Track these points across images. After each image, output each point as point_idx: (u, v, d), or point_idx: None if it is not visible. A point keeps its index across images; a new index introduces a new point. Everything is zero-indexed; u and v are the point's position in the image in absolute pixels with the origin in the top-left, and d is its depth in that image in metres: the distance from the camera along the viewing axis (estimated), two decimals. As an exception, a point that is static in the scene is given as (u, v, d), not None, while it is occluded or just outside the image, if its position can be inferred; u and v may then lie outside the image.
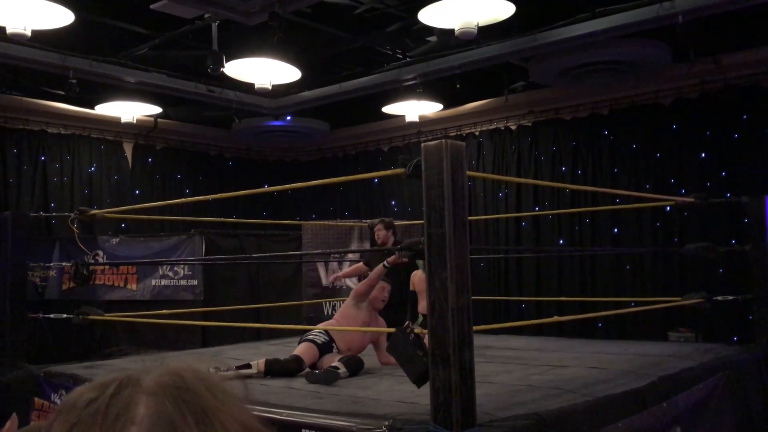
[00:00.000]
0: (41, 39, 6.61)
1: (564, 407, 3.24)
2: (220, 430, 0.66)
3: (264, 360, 4.49)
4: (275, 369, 4.45)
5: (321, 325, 5.07)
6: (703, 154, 8.19)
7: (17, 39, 5.77)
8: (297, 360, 4.56)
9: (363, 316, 4.95)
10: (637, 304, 7.25)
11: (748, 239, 5.63)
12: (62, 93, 8.14)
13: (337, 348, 4.78)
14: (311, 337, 4.80)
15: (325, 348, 4.73)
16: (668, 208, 7.83)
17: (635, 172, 8.63)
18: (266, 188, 9.77)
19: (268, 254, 8.46)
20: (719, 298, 5.59)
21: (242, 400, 0.72)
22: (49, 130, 9.55)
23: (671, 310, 7.09)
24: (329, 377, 4.21)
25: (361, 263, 6.26)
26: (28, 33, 5.57)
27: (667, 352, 5.10)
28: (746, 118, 7.92)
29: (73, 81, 7.40)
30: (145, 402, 0.66)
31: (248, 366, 4.43)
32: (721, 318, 7.37)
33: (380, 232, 6.31)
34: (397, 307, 6.15)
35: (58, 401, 4.31)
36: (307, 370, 4.53)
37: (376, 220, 6.47)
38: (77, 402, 0.68)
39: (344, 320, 4.98)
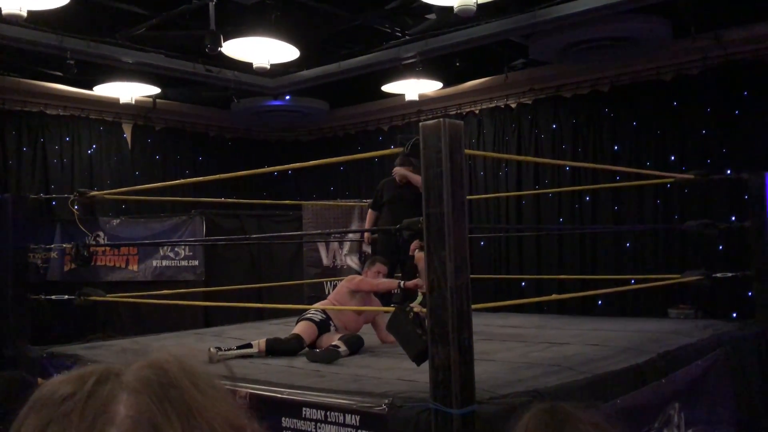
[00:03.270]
0: (38, 20, 6.57)
1: (563, 384, 3.26)
2: (206, 430, 0.62)
3: (265, 340, 4.52)
4: (276, 348, 4.48)
5: (318, 305, 5.10)
6: (704, 131, 8.16)
7: (13, 20, 5.72)
8: (297, 339, 4.58)
9: (357, 301, 4.99)
10: (637, 281, 7.26)
11: (748, 216, 5.63)
12: (60, 74, 8.10)
13: (335, 326, 4.81)
14: (309, 315, 4.83)
15: (323, 326, 4.76)
16: (669, 185, 7.82)
17: (636, 149, 8.61)
18: (267, 168, 9.76)
19: (269, 235, 8.47)
20: (719, 274, 5.60)
21: (230, 394, 0.67)
22: (48, 112, 9.52)
23: (671, 287, 7.12)
24: (330, 356, 4.24)
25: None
26: (24, 14, 5.53)
27: (666, 329, 5.12)
28: (747, 94, 7.88)
29: (71, 62, 7.36)
30: (126, 400, 0.61)
31: (249, 346, 4.46)
32: (720, 294, 7.39)
33: (400, 171, 6.35)
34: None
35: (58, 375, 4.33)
36: (307, 349, 4.56)
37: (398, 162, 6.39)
38: (52, 397, 0.63)
39: (339, 303, 5.01)
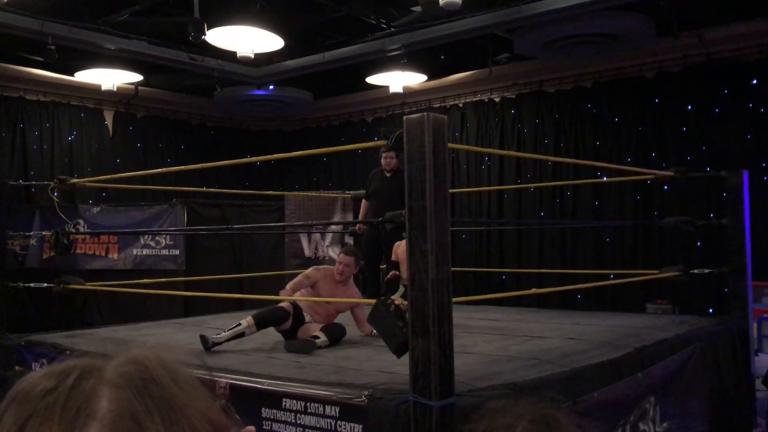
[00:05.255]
0: (18, 4, 6.48)
1: (541, 377, 3.29)
2: (186, 426, 0.63)
3: (251, 316, 4.48)
4: (265, 319, 4.46)
5: (285, 293, 5.00)
6: (685, 128, 8.24)
7: (-7, 3, 5.65)
8: (281, 309, 4.55)
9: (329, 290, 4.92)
10: (616, 276, 7.34)
11: (726, 213, 5.71)
12: (41, 59, 8.00)
13: (308, 316, 4.75)
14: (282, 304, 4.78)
15: (296, 315, 4.69)
16: (649, 182, 7.90)
17: (617, 145, 8.68)
18: (249, 158, 9.72)
19: (250, 225, 8.44)
20: (696, 271, 5.67)
21: (207, 390, 0.68)
22: (28, 97, 9.41)
23: (649, 282, 7.20)
24: (307, 346, 4.25)
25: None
26: (5, -3, 5.46)
27: (643, 324, 5.19)
28: (728, 93, 7.97)
29: (52, 47, 7.27)
30: (108, 395, 0.62)
31: (239, 325, 4.41)
32: (697, 290, 7.49)
33: (392, 161, 6.36)
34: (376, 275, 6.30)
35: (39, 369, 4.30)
36: (284, 339, 4.54)
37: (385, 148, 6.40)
38: (33, 391, 0.62)
39: (312, 293, 4.93)
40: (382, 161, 6.56)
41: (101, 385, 0.62)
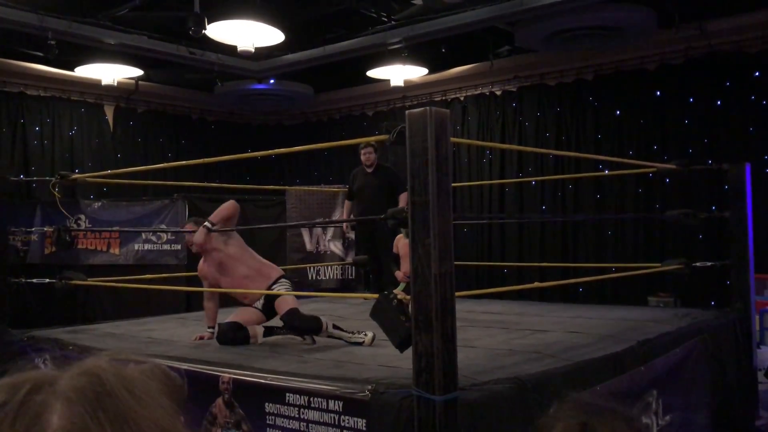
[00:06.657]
0: (18, -1, 6.46)
1: (544, 371, 3.29)
2: None
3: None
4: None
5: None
6: (686, 121, 8.22)
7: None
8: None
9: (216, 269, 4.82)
10: (618, 269, 7.34)
11: (728, 206, 5.69)
12: (41, 54, 7.99)
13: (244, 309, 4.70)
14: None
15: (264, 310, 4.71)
16: (651, 175, 7.89)
17: (619, 138, 8.66)
18: (250, 153, 9.72)
19: (252, 227, 8.42)
20: (698, 264, 5.66)
21: (166, 399, 0.67)
22: (28, 93, 9.39)
23: (651, 275, 7.19)
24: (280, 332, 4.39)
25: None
26: (4, -7, 5.44)
27: (646, 317, 5.18)
28: (729, 85, 7.95)
29: (52, 42, 7.26)
30: (59, 410, 0.60)
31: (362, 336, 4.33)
32: (699, 283, 7.48)
33: (371, 156, 6.44)
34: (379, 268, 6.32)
35: (42, 366, 4.30)
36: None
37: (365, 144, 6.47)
38: None
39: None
40: (362, 157, 6.59)
41: (53, 399, 0.61)
